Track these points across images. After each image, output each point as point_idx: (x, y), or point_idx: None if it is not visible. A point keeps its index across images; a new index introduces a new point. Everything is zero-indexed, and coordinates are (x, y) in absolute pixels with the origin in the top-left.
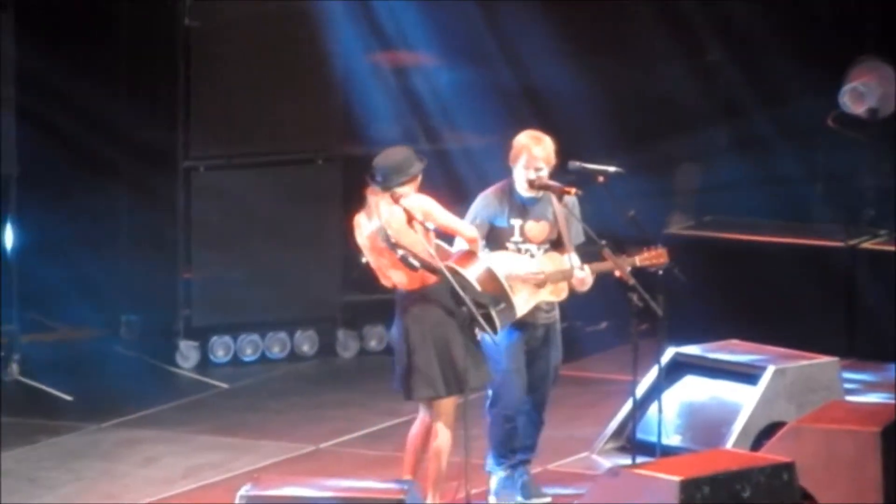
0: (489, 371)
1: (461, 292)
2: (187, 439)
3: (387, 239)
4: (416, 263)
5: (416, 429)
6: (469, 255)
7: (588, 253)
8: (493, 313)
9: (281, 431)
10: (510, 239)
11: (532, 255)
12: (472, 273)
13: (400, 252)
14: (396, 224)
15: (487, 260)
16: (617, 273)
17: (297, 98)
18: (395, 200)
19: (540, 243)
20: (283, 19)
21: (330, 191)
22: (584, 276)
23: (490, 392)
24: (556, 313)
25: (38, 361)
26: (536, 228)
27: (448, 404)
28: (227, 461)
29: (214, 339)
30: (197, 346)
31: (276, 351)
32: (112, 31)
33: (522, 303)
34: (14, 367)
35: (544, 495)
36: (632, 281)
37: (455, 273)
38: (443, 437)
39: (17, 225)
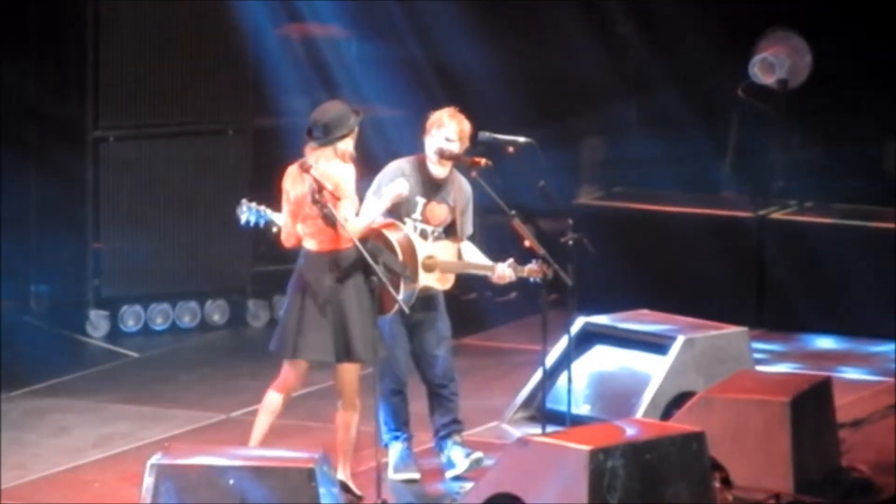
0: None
1: (372, 262)
2: (98, 408)
3: (316, 193)
4: (336, 219)
5: (277, 390)
6: (393, 224)
7: (498, 224)
8: (402, 282)
9: (192, 401)
10: (410, 215)
11: (425, 237)
12: (395, 238)
13: (325, 209)
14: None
15: (407, 230)
16: (527, 243)
17: (207, 69)
18: (305, 170)
19: (436, 226)
20: None
21: (240, 162)
22: (509, 275)
23: (378, 368)
24: (437, 287)
25: None
26: (437, 210)
27: (348, 374)
28: (138, 430)
29: (125, 308)
30: (107, 315)
31: (186, 321)
32: (18, 3)
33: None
34: None
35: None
36: (541, 251)
37: (380, 236)
38: (349, 408)
39: None
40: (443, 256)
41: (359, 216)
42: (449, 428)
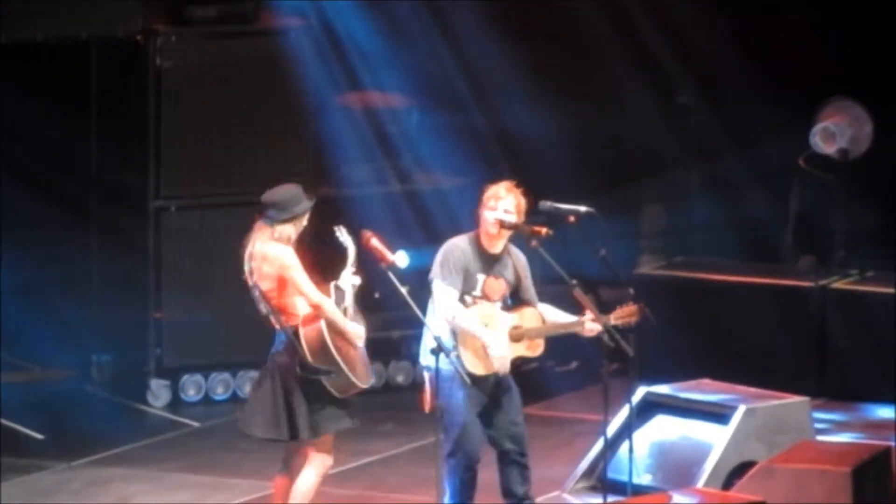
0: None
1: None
2: (159, 478)
3: (248, 271)
4: (262, 308)
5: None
6: (312, 318)
7: (559, 293)
8: (325, 383)
9: (252, 470)
10: (471, 291)
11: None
12: (307, 339)
13: (255, 291)
14: (257, 263)
15: (324, 327)
16: (588, 314)
17: (268, 138)
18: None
19: (496, 301)
20: (255, 60)
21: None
22: (596, 328)
23: (449, 443)
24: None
25: (10, 401)
26: (496, 285)
27: (308, 449)
28: (199, 499)
29: (186, 377)
30: (168, 384)
31: (247, 390)
32: (83, 72)
33: (501, 361)
34: None
35: None
36: (603, 320)
37: (296, 335)
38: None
39: None
40: (527, 324)
41: (442, 307)
42: (529, 498)
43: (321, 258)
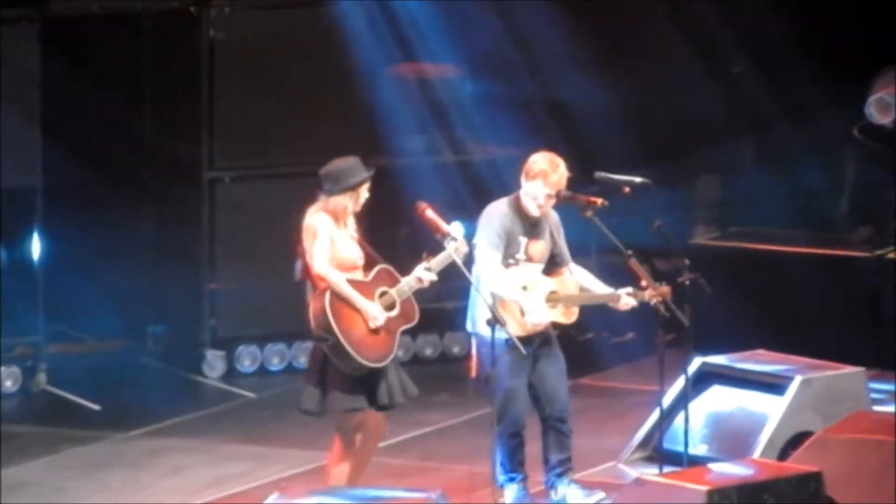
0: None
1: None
2: (214, 449)
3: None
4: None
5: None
6: (325, 287)
7: (614, 264)
8: (332, 358)
9: (307, 440)
10: (515, 255)
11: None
12: (313, 307)
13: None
14: (303, 234)
15: (327, 298)
16: (643, 283)
17: (322, 110)
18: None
19: (538, 262)
20: (308, 31)
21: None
22: (634, 303)
23: (494, 409)
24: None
25: (66, 372)
26: (538, 247)
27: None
28: (254, 470)
29: (241, 348)
30: (223, 355)
31: (302, 360)
32: (137, 43)
33: (535, 326)
34: (41, 377)
35: (597, 492)
36: (659, 291)
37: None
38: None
39: (43, 237)
40: (564, 290)
41: (490, 272)
42: (565, 465)
43: (380, 234)
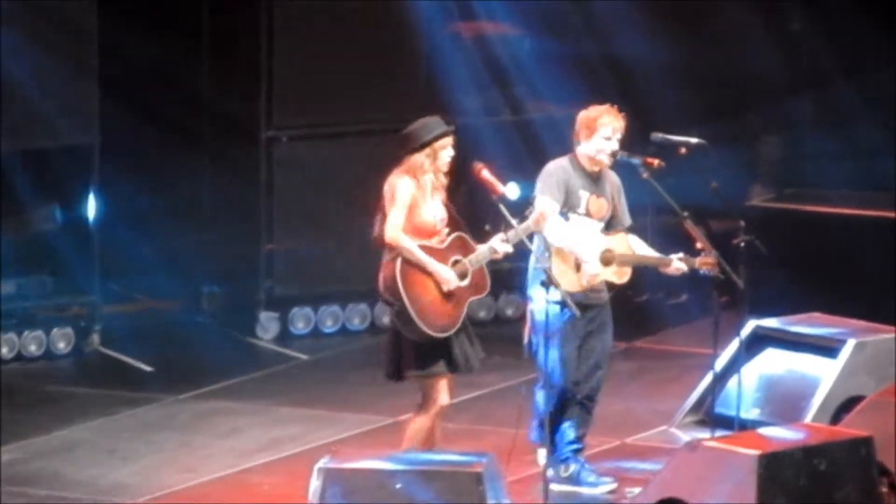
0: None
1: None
2: (267, 411)
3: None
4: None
5: None
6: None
7: (669, 225)
8: (392, 314)
9: (361, 403)
10: (576, 210)
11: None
12: (384, 270)
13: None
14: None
15: (398, 263)
16: (699, 245)
17: (380, 68)
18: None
19: (599, 219)
20: None
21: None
22: (684, 267)
23: (542, 375)
24: (607, 294)
25: (119, 332)
26: (599, 203)
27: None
28: (307, 433)
29: (295, 310)
30: (277, 317)
31: (356, 323)
32: (196, 3)
33: (592, 278)
34: (95, 338)
35: (607, 481)
36: (713, 252)
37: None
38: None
39: (99, 195)
40: (618, 250)
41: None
42: (582, 443)
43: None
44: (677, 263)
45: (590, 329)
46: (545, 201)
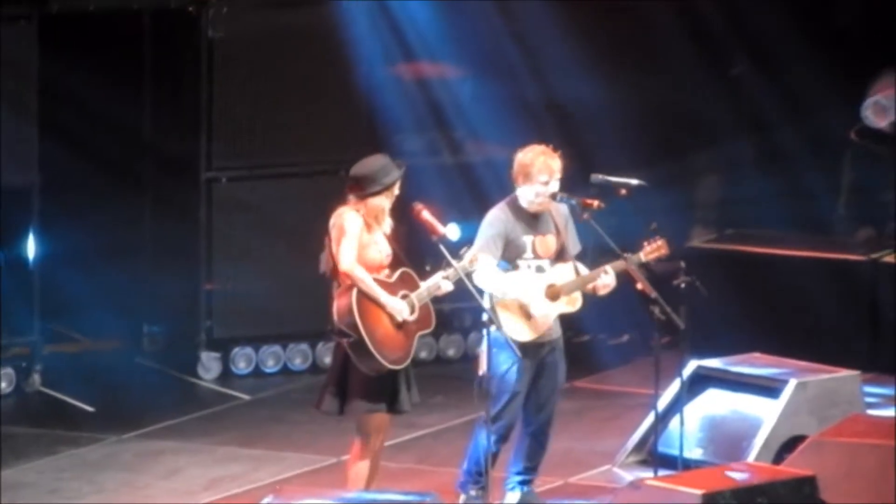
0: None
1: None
2: (209, 451)
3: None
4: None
5: None
6: (351, 285)
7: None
8: (353, 358)
9: (303, 443)
10: (523, 256)
11: (543, 270)
12: (338, 302)
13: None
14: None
15: (354, 294)
16: (639, 286)
17: (320, 109)
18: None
19: (549, 257)
20: (306, 30)
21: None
22: (610, 281)
23: (493, 410)
24: (559, 330)
25: (60, 372)
26: (544, 243)
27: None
28: (249, 472)
29: (236, 350)
30: (219, 357)
31: (297, 363)
32: (135, 42)
33: (544, 318)
34: (36, 378)
35: None
36: (654, 293)
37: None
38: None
39: (39, 235)
40: (561, 280)
41: (486, 276)
42: (532, 474)
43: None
44: (604, 279)
45: (543, 365)
46: (480, 258)
